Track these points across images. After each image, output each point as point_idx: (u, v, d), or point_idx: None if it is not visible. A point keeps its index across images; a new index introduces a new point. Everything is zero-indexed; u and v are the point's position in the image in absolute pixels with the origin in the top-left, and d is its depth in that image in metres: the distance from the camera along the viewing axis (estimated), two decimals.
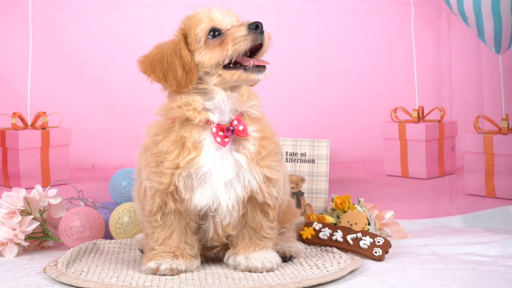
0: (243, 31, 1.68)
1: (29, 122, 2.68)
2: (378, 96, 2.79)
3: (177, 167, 1.70)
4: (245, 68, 1.70)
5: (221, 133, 1.71)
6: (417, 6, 2.79)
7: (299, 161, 2.51)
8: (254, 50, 1.72)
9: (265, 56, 1.76)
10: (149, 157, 1.76)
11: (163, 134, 1.74)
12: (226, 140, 1.71)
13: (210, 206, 1.73)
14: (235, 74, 1.70)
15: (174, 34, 1.77)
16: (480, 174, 2.76)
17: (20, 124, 2.67)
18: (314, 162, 2.51)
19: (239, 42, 1.67)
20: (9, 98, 2.66)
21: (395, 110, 2.80)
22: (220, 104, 1.72)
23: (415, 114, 2.80)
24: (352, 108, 2.78)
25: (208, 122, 1.72)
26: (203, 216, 1.80)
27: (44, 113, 2.67)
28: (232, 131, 1.72)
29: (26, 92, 2.67)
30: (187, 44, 1.73)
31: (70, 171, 2.69)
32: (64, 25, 2.69)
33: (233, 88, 1.74)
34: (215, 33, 1.71)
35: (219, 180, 1.71)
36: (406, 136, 2.78)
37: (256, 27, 1.67)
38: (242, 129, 1.72)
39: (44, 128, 2.67)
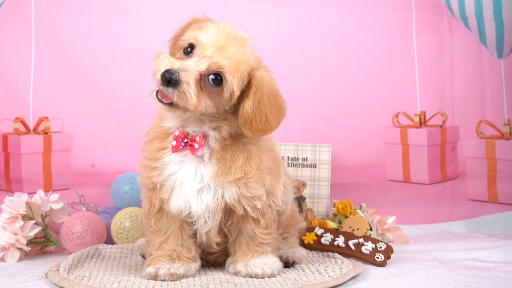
0: (162, 67, 1.61)
1: (31, 127, 2.68)
2: (379, 101, 2.79)
3: (152, 159, 1.73)
4: (156, 92, 1.65)
5: (180, 140, 1.72)
6: (419, 10, 2.79)
7: (300, 166, 2.51)
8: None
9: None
10: (141, 147, 1.82)
11: (155, 121, 1.80)
12: (180, 148, 1.72)
13: (182, 211, 1.74)
14: (152, 93, 1.67)
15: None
16: (482, 179, 2.76)
17: (22, 129, 2.67)
18: (315, 167, 2.51)
19: (155, 66, 1.64)
20: (11, 103, 2.67)
21: (397, 115, 2.80)
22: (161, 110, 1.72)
23: (417, 119, 2.79)
24: (354, 113, 2.78)
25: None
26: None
27: (46, 118, 2.68)
28: (186, 143, 1.72)
29: (28, 97, 2.67)
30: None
31: (72, 176, 2.69)
32: (67, 30, 2.69)
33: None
34: (191, 49, 1.68)
35: (188, 186, 1.72)
36: (408, 141, 2.78)
37: (163, 76, 1.60)
38: (197, 148, 1.71)
39: (46, 133, 2.67)
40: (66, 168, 2.69)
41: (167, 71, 1.60)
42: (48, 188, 2.61)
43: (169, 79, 1.59)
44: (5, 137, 2.66)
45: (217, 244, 1.81)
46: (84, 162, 2.69)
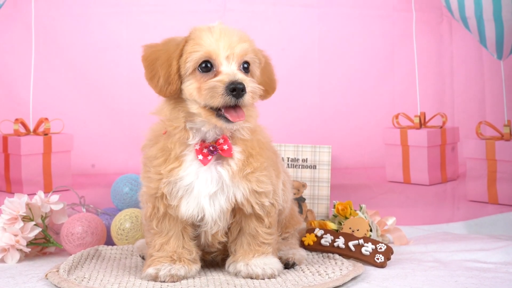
0: (220, 89, 1.63)
1: (31, 128, 2.68)
2: (379, 102, 2.79)
3: (160, 174, 1.73)
4: (217, 114, 1.67)
5: (204, 151, 1.72)
6: (419, 12, 2.79)
7: (300, 167, 2.51)
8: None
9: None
10: (143, 160, 1.80)
11: (153, 140, 1.78)
12: (209, 158, 1.72)
13: (195, 216, 1.75)
14: (208, 116, 1.68)
15: (183, 37, 1.74)
16: (483, 180, 2.76)
17: (22, 130, 2.67)
18: (315, 168, 2.51)
19: (211, 98, 1.64)
20: (11, 104, 2.67)
21: (396, 116, 2.80)
22: (200, 127, 1.72)
23: (417, 120, 2.80)
24: (354, 114, 2.78)
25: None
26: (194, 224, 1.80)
27: (46, 119, 2.68)
28: (215, 150, 1.72)
29: (28, 98, 2.68)
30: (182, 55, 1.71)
31: (72, 177, 2.69)
32: (67, 31, 2.69)
33: None
34: (206, 65, 1.68)
35: (203, 192, 1.72)
36: (408, 142, 2.78)
37: (233, 90, 1.62)
38: (227, 149, 1.72)
39: (46, 134, 2.67)
40: (66, 169, 2.69)
41: (232, 83, 1.62)
42: (48, 189, 2.61)
43: (241, 88, 1.62)
44: (5, 138, 2.66)
45: (219, 243, 1.82)
46: (84, 163, 2.69)
